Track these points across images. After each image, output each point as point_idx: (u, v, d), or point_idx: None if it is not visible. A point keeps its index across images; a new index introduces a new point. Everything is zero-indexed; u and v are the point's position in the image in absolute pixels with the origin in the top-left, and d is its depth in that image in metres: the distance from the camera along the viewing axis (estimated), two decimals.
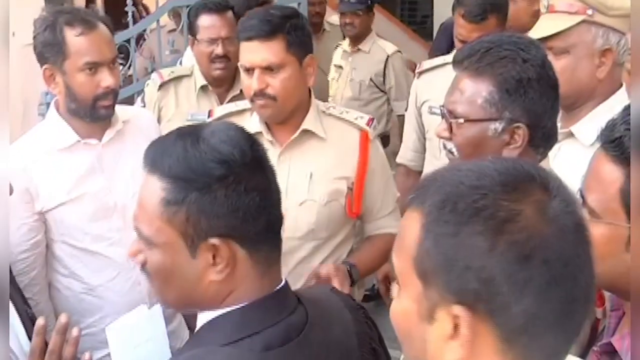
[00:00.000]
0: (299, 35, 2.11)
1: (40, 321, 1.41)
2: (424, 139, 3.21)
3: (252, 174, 1.19)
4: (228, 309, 1.20)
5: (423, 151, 3.22)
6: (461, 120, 1.60)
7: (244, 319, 1.19)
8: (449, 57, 2.79)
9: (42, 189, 2.16)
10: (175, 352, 1.38)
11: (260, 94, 2.09)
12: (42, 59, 2.15)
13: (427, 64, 3.23)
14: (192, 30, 2.98)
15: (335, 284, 1.99)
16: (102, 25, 2.18)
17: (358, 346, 1.32)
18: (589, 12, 1.94)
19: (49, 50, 2.12)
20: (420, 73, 3.22)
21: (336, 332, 1.30)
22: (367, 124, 2.25)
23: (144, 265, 1.25)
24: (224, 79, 2.95)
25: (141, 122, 2.38)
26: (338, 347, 1.28)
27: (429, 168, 3.16)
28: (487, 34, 2.76)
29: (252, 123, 2.17)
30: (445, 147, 1.68)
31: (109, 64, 2.17)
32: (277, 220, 1.24)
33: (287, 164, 2.16)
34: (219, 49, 2.90)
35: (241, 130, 1.24)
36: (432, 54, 5.00)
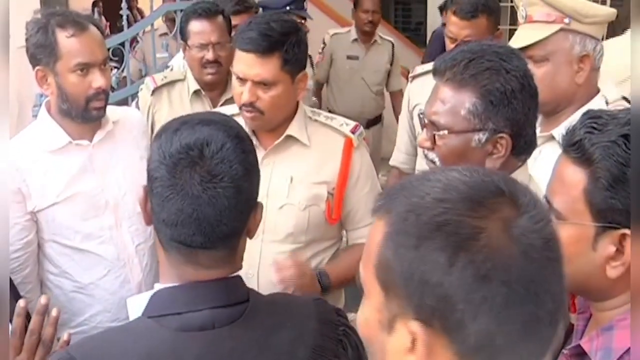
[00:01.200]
0: (296, 53, 2.09)
1: (20, 303, 1.44)
2: (416, 141, 3.23)
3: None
4: (168, 285, 1.25)
5: (415, 154, 3.24)
6: (444, 132, 1.59)
7: (172, 298, 1.23)
8: None
9: (34, 189, 2.18)
10: None
11: (249, 105, 2.09)
12: (34, 60, 2.17)
13: (420, 68, 3.25)
14: (183, 35, 2.99)
15: (296, 287, 1.99)
16: (92, 27, 2.20)
17: (309, 359, 1.29)
18: (566, 20, 1.99)
19: (42, 51, 2.14)
20: (413, 77, 3.24)
21: (282, 337, 1.28)
22: (352, 131, 2.24)
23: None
24: (216, 84, 2.96)
25: (130, 123, 2.40)
26: (276, 351, 1.26)
27: (420, 170, 3.19)
28: (476, 33, 2.92)
29: None
30: (427, 157, 1.68)
31: (100, 65, 2.19)
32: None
33: (270, 168, 2.15)
34: (209, 54, 2.90)
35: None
36: (426, 60, 5.07)
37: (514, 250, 0.83)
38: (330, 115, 2.36)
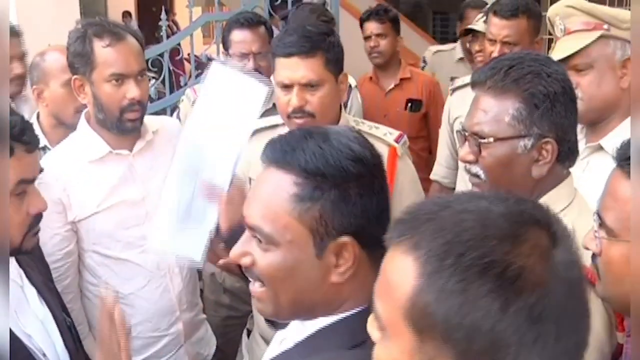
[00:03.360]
0: (336, 53, 2.13)
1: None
2: (457, 154, 3.19)
3: (381, 176, 1.20)
4: (345, 314, 1.18)
5: (456, 167, 3.21)
6: (490, 140, 1.57)
7: (364, 323, 1.11)
8: None
9: (75, 199, 2.18)
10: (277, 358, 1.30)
11: (299, 110, 2.09)
12: (72, 69, 2.19)
13: (460, 81, 3.24)
14: (225, 44, 3.00)
15: None
16: (130, 37, 2.20)
17: None
18: (605, 27, 2.01)
19: (79, 60, 2.16)
20: (454, 90, 3.23)
21: None
22: (396, 140, 2.24)
23: (250, 267, 1.20)
24: None
25: (169, 132, 2.39)
26: None
27: (460, 184, 3.15)
28: (516, 34, 2.93)
29: None
30: (470, 171, 1.65)
31: (135, 76, 2.18)
32: (389, 224, 1.21)
33: None
34: (250, 64, 2.92)
35: (358, 133, 1.25)
36: None
37: (559, 285, 0.82)
38: (374, 124, 2.36)
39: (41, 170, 1.71)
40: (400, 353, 0.86)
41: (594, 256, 1.33)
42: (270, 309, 1.24)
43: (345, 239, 1.15)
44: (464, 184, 3.10)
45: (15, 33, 2.89)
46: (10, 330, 1.62)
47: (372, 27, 4.05)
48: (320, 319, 1.20)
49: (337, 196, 1.14)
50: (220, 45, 4.22)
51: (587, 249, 1.34)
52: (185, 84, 4.20)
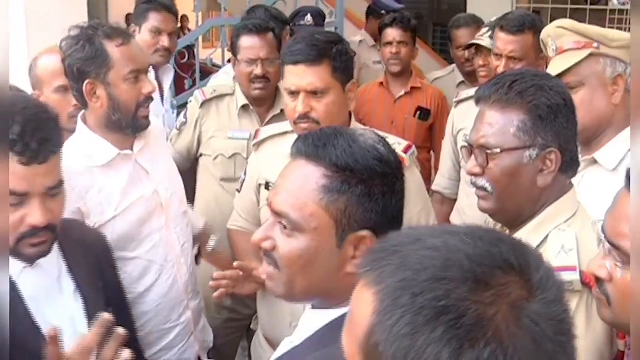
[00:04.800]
0: (344, 61, 2.16)
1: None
2: (459, 166, 3.23)
3: (401, 177, 1.29)
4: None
5: (458, 179, 3.25)
6: (497, 150, 1.62)
7: None
8: None
9: (92, 207, 2.18)
10: (286, 355, 1.34)
11: (304, 117, 2.13)
12: (82, 75, 2.16)
13: (465, 94, 3.28)
14: (233, 50, 3.03)
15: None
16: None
17: None
18: (595, 45, 2.05)
19: (91, 64, 2.14)
20: (458, 102, 3.27)
21: None
22: (404, 151, 2.25)
23: (270, 252, 1.29)
24: (263, 99, 2.99)
25: (155, 129, 2.41)
26: None
27: (462, 196, 3.19)
28: (521, 49, 2.97)
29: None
30: (476, 184, 1.69)
31: (147, 72, 2.24)
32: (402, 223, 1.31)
33: None
34: (258, 70, 2.93)
35: (381, 136, 1.33)
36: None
37: (523, 341, 0.74)
38: (383, 134, 2.35)
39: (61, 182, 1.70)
40: None
41: (600, 281, 1.34)
42: (282, 290, 1.32)
43: (364, 232, 1.23)
44: (465, 196, 3.14)
45: None
46: (32, 319, 1.65)
47: (395, 34, 4.04)
48: (329, 313, 1.26)
49: (362, 191, 1.23)
50: (225, 50, 4.30)
51: (594, 275, 1.35)
52: (190, 87, 4.23)
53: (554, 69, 2.07)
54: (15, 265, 1.66)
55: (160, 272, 2.32)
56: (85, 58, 2.14)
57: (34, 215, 1.61)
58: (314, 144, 1.26)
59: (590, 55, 2.04)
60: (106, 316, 1.44)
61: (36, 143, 1.57)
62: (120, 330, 1.43)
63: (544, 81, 1.65)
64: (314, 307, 1.34)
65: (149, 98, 2.24)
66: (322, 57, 2.12)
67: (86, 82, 2.16)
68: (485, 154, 1.64)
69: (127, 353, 1.42)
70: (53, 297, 1.75)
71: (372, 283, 0.81)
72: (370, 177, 1.23)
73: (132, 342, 1.98)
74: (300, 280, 1.27)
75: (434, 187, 3.34)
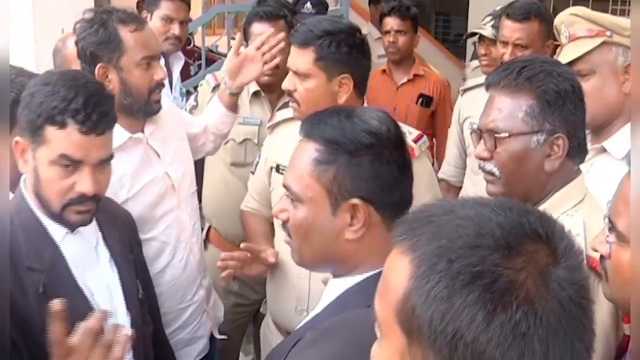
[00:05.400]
0: (333, 52, 2.15)
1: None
2: (465, 154, 3.25)
3: (394, 148, 1.35)
4: (364, 275, 1.32)
5: (464, 167, 3.28)
6: (505, 135, 1.64)
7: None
8: None
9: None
10: (309, 322, 1.41)
11: (289, 94, 2.24)
12: (94, 58, 2.18)
13: (471, 82, 3.31)
14: (245, 36, 3.03)
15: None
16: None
17: None
18: (608, 33, 2.07)
19: (104, 48, 2.16)
20: (464, 91, 3.29)
21: None
22: (415, 140, 2.26)
23: (286, 223, 1.43)
24: (273, 86, 2.97)
25: (165, 107, 2.43)
26: None
27: (468, 183, 3.21)
28: (527, 36, 3.00)
29: None
30: (484, 169, 1.71)
31: (159, 58, 2.26)
32: (409, 197, 1.38)
33: None
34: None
35: (389, 115, 1.41)
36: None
37: (551, 304, 0.80)
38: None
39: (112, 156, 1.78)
40: (392, 353, 0.87)
41: (602, 258, 1.38)
42: (296, 257, 1.48)
43: (355, 200, 1.33)
44: (471, 184, 3.17)
45: None
46: (74, 280, 1.72)
47: (393, 22, 4.07)
48: (343, 282, 1.36)
49: (349, 161, 1.34)
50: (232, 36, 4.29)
51: (595, 251, 1.40)
52: (196, 73, 4.23)
53: (565, 56, 2.09)
54: (59, 231, 1.74)
55: (173, 253, 2.35)
56: (98, 42, 2.16)
57: (84, 183, 1.69)
58: (311, 123, 1.41)
59: (603, 43, 2.06)
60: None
61: (97, 115, 1.67)
62: (126, 331, 1.44)
63: (552, 67, 1.67)
64: (334, 276, 1.43)
65: (161, 84, 2.26)
66: (308, 43, 2.16)
67: (98, 65, 2.17)
68: (493, 138, 1.66)
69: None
70: (91, 264, 1.81)
71: (407, 250, 0.85)
72: (357, 148, 1.33)
73: (156, 318, 2.05)
74: (305, 247, 1.42)
75: (440, 174, 3.36)
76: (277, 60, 2.58)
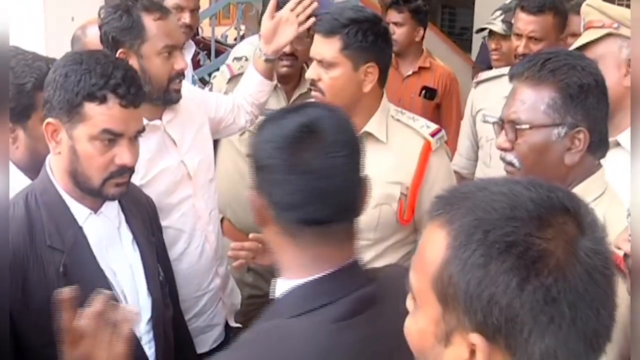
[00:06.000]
0: (359, 40, 2.15)
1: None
2: (477, 147, 3.26)
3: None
4: (302, 280, 1.23)
5: (475, 159, 3.27)
6: (527, 126, 1.64)
7: (315, 291, 1.22)
8: (505, 70, 2.84)
9: None
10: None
11: (313, 84, 2.21)
12: (116, 43, 2.20)
13: (484, 75, 3.31)
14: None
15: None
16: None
17: None
18: (615, 25, 2.08)
19: (126, 34, 2.18)
20: (478, 83, 3.28)
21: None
22: (432, 134, 2.26)
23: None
24: (290, 76, 2.98)
25: (186, 93, 2.42)
26: None
27: (480, 175, 3.21)
28: (542, 29, 3.00)
29: None
30: (504, 159, 1.71)
31: (181, 48, 2.26)
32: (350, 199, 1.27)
33: None
34: (286, 47, 2.92)
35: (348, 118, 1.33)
36: (477, 67, 5.05)
37: (579, 271, 0.85)
38: (414, 116, 2.38)
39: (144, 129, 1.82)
40: (427, 322, 0.92)
41: (626, 256, 1.38)
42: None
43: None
44: (483, 175, 3.16)
45: None
46: (95, 261, 1.74)
47: (391, 15, 4.08)
48: (281, 283, 1.27)
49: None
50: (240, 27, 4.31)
51: (618, 249, 1.39)
52: (204, 63, 4.24)
53: (577, 42, 2.12)
54: (81, 212, 1.76)
55: (189, 241, 2.36)
56: (121, 27, 2.18)
57: (123, 155, 1.73)
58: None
59: (608, 35, 2.07)
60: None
61: (134, 88, 1.72)
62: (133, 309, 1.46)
63: (576, 61, 1.67)
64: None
65: (181, 74, 2.26)
66: (334, 32, 2.15)
67: (119, 51, 2.20)
68: (515, 129, 1.66)
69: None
70: (114, 245, 1.82)
71: (445, 224, 0.91)
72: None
73: (176, 302, 2.06)
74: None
75: (451, 166, 3.36)
76: (311, 21, 2.50)
